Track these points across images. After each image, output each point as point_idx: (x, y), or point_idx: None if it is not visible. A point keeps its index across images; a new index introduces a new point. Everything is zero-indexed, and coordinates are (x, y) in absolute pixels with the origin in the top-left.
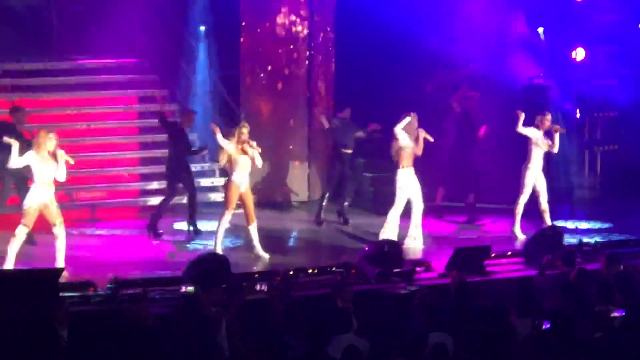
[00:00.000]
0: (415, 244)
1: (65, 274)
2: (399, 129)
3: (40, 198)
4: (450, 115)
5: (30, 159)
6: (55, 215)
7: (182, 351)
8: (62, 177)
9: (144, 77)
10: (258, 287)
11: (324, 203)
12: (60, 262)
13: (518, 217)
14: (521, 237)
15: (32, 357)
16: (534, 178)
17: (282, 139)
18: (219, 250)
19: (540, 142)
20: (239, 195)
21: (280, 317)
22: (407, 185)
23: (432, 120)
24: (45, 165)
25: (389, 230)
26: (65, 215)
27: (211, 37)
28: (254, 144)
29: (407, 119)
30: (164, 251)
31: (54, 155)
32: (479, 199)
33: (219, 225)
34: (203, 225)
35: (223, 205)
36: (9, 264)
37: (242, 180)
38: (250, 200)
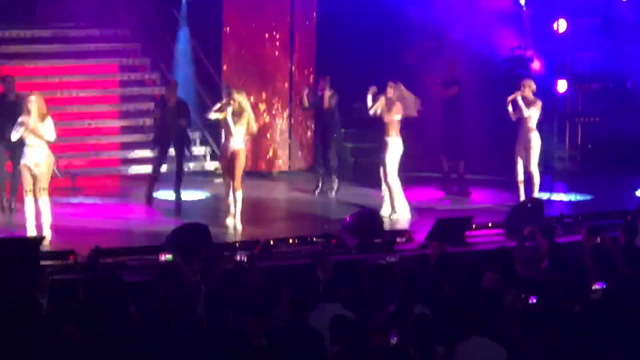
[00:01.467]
0: (398, 216)
1: (46, 242)
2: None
3: (30, 158)
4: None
5: (21, 124)
6: (43, 180)
7: (162, 320)
8: (49, 136)
9: (126, 45)
10: (238, 257)
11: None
12: (42, 230)
13: (521, 187)
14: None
15: (12, 325)
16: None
17: (263, 110)
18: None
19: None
20: (228, 161)
21: (259, 287)
22: (394, 155)
23: (412, 90)
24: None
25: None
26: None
27: (193, 5)
28: (248, 108)
29: (369, 97)
30: (145, 220)
31: (42, 117)
32: (457, 168)
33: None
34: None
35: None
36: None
37: (229, 147)
38: (238, 166)
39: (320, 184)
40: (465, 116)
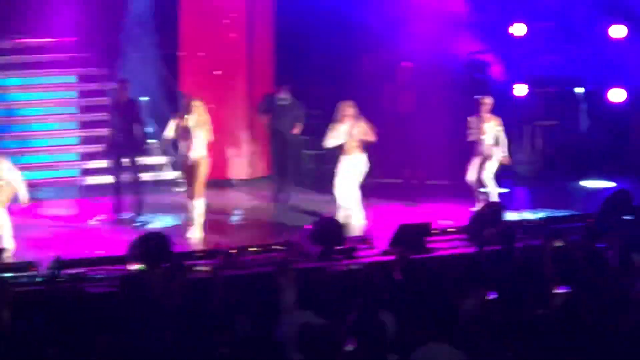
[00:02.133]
0: (357, 222)
1: (7, 254)
2: (329, 142)
3: None
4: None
5: None
6: (2, 193)
7: (125, 332)
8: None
9: (83, 55)
10: (199, 267)
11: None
12: (2, 242)
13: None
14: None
15: None
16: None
17: (222, 117)
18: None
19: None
20: (189, 170)
21: (222, 296)
22: (347, 171)
23: (371, 98)
24: None
25: (340, 213)
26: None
27: (150, 15)
28: (206, 116)
29: (333, 133)
30: (105, 230)
31: None
32: (416, 175)
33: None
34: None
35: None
36: None
37: (190, 155)
38: (199, 175)
39: (277, 192)
40: (418, 122)
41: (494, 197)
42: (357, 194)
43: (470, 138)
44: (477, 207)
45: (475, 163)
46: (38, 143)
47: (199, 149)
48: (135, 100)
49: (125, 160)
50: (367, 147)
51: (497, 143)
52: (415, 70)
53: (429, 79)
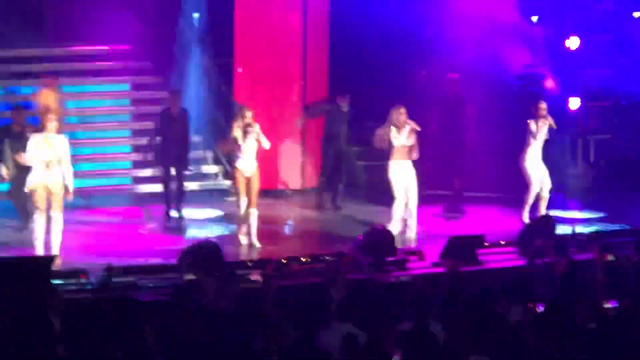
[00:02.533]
0: (410, 234)
1: (57, 261)
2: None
3: (42, 178)
4: (434, 102)
5: (30, 142)
6: (56, 199)
7: (177, 340)
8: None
9: (137, 64)
10: (251, 276)
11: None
12: (54, 249)
13: (527, 206)
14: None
15: (24, 346)
16: (536, 168)
17: (276, 127)
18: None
19: (539, 134)
20: (245, 181)
21: (272, 305)
22: (398, 177)
23: (423, 108)
24: (45, 146)
25: (394, 225)
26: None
27: (205, 24)
28: (257, 126)
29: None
30: (156, 239)
31: (57, 136)
32: (467, 186)
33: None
34: (193, 212)
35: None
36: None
37: (246, 166)
38: (254, 185)
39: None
40: (467, 133)
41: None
42: (413, 204)
43: (529, 142)
44: (529, 219)
45: (536, 177)
46: (90, 150)
47: (254, 160)
48: (186, 111)
49: (173, 170)
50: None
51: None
52: (462, 81)
53: (483, 91)
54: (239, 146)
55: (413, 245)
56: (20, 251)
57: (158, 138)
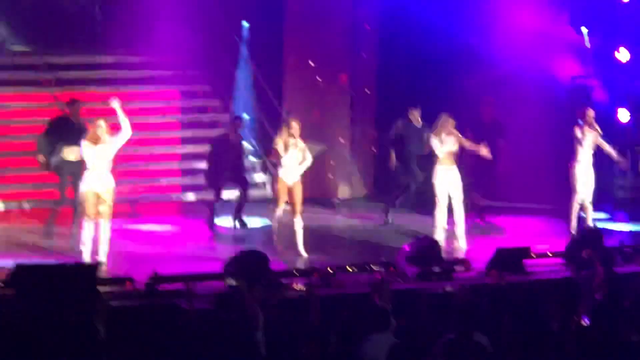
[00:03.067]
0: (458, 244)
1: (103, 267)
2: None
3: (96, 183)
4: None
5: (83, 148)
6: (106, 206)
7: (221, 347)
8: (127, 132)
9: (187, 72)
10: (296, 285)
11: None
12: (100, 256)
13: (573, 217)
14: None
15: (70, 353)
16: (583, 176)
17: (324, 136)
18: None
19: (585, 141)
20: (287, 190)
21: (317, 315)
22: (442, 183)
23: (471, 119)
24: (97, 153)
25: (437, 232)
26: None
27: (254, 32)
28: (300, 141)
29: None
30: (203, 247)
31: (108, 142)
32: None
33: (272, 220)
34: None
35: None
36: (86, 258)
37: (288, 176)
38: (297, 195)
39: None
40: (502, 152)
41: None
42: (459, 211)
43: (576, 149)
44: (577, 230)
45: (582, 186)
46: (139, 158)
47: (297, 170)
48: (243, 138)
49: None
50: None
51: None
52: (497, 105)
53: (532, 102)
54: (280, 156)
55: (461, 254)
56: (65, 257)
57: (211, 162)
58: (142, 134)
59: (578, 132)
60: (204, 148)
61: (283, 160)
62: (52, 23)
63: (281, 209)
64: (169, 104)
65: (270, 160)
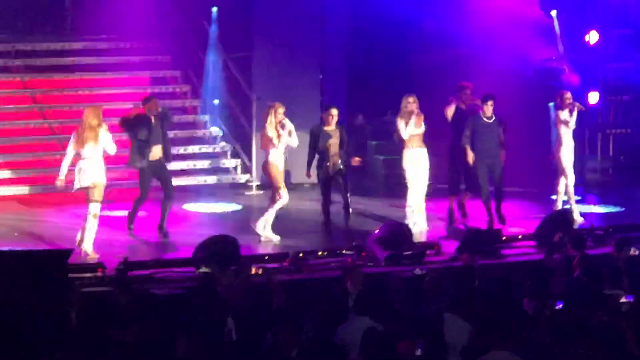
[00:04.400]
0: (416, 228)
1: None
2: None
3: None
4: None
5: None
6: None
7: (192, 333)
8: (111, 151)
9: (156, 58)
10: (253, 270)
11: None
12: (87, 242)
13: (573, 202)
14: (579, 219)
15: (41, 338)
16: (570, 159)
17: (294, 121)
18: (261, 231)
19: (569, 124)
20: (281, 174)
21: (280, 300)
22: (412, 166)
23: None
24: (89, 143)
25: (413, 216)
26: (76, 196)
27: (223, 18)
28: (289, 122)
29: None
30: (174, 233)
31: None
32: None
33: (273, 206)
34: (211, 206)
35: (272, 187)
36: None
37: (279, 160)
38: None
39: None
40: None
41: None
42: (422, 194)
43: (560, 132)
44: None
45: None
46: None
47: (280, 156)
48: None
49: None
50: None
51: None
52: (474, 89)
53: (502, 86)
54: (273, 143)
55: (425, 237)
56: (35, 244)
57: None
58: (113, 120)
59: (562, 115)
60: (174, 133)
61: (275, 146)
62: (21, 9)
63: (285, 191)
64: (139, 90)
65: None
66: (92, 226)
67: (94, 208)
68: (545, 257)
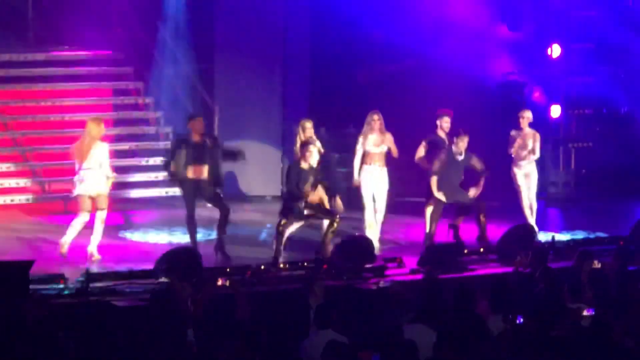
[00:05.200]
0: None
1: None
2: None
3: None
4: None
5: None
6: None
7: (152, 345)
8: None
9: (119, 69)
10: (220, 282)
11: None
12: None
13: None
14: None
15: (0, 351)
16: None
17: (256, 133)
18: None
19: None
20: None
21: (245, 312)
22: (365, 183)
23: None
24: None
25: (368, 231)
26: (38, 207)
27: (186, 30)
28: (317, 141)
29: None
30: (136, 244)
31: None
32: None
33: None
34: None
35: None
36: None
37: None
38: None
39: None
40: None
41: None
42: (380, 213)
43: (511, 152)
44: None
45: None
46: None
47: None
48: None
49: None
50: (391, 163)
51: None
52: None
53: (465, 100)
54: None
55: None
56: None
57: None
58: (75, 131)
59: (512, 135)
60: (136, 145)
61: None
62: None
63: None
64: (102, 102)
65: None
66: (99, 231)
67: (101, 215)
68: (511, 272)
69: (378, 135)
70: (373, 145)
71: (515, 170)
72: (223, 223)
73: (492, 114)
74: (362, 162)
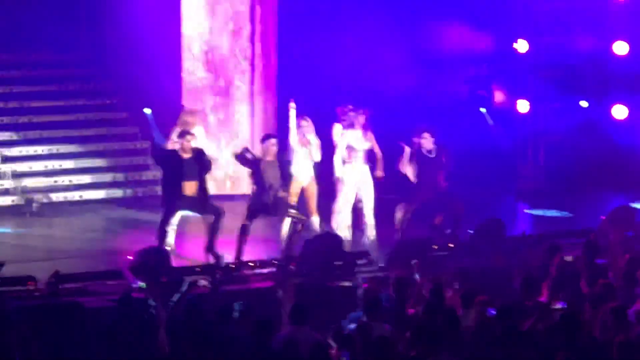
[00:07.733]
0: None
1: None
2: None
3: None
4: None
5: None
6: None
7: (124, 346)
8: None
9: (86, 71)
10: (200, 282)
11: None
12: None
13: None
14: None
15: None
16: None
17: (225, 134)
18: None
19: None
20: (300, 188)
21: (220, 310)
22: (345, 180)
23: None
24: None
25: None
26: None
27: (154, 28)
28: (314, 139)
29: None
30: (107, 245)
31: None
32: None
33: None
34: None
35: None
36: None
37: (302, 172)
38: (312, 192)
39: None
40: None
41: None
42: (369, 213)
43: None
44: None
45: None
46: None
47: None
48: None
49: None
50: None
51: None
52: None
53: (430, 95)
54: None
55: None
56: None
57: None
58: (43, 132)
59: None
60: (104, 146)
61: (297, 158)
62: None
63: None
64: (69, 103)
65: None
66: None
67: None
68: (477, 266)
69: (362, 131)
70: (355, 141)
71: None
72: (217, 226)
73: (458, 109)
74: (345, 160)
